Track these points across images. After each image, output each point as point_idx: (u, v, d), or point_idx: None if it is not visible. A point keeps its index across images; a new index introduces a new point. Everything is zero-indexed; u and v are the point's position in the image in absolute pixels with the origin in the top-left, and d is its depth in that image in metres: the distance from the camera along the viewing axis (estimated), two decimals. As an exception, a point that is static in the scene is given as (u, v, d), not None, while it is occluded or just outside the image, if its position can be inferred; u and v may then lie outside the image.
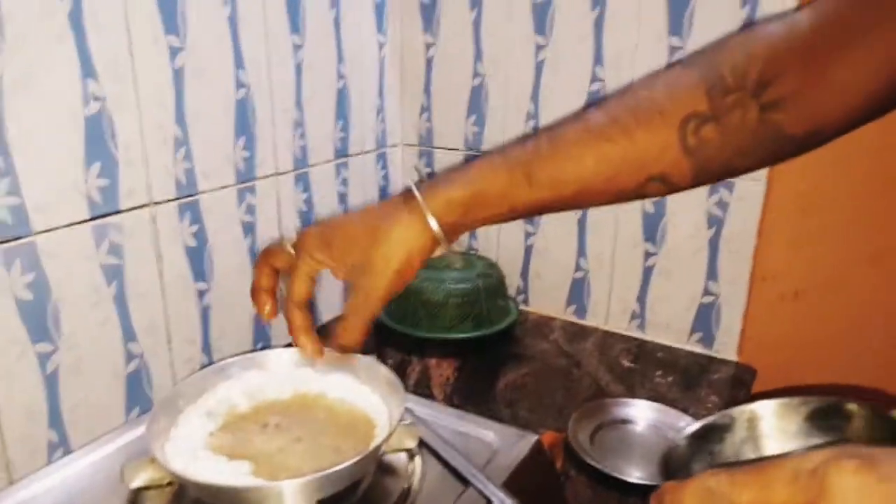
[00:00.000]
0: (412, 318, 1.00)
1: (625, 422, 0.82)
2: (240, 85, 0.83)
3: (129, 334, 0.74)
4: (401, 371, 0.94)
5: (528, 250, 1.12)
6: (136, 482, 0.51)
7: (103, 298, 0.71)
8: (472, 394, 0.89)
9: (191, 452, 0.53)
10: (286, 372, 0.64)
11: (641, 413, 0.83)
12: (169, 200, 0.77)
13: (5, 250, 0.62)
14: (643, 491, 0.69)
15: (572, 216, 1.05)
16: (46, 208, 0.65)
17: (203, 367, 0.84)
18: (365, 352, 0.60)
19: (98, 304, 0.71)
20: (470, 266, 1.04)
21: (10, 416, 0.64)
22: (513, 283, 1.14)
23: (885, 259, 0.88)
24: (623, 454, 0.76)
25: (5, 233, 0.62)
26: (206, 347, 0.85)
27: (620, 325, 1.07)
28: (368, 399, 0.60)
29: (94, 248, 0.69)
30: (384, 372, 0.59)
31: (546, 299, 1.13)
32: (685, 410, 0.83)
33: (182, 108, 0.76)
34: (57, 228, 0.66)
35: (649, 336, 1.04)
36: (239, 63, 0.82)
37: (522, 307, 1.14)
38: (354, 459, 0.48)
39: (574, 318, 1.10)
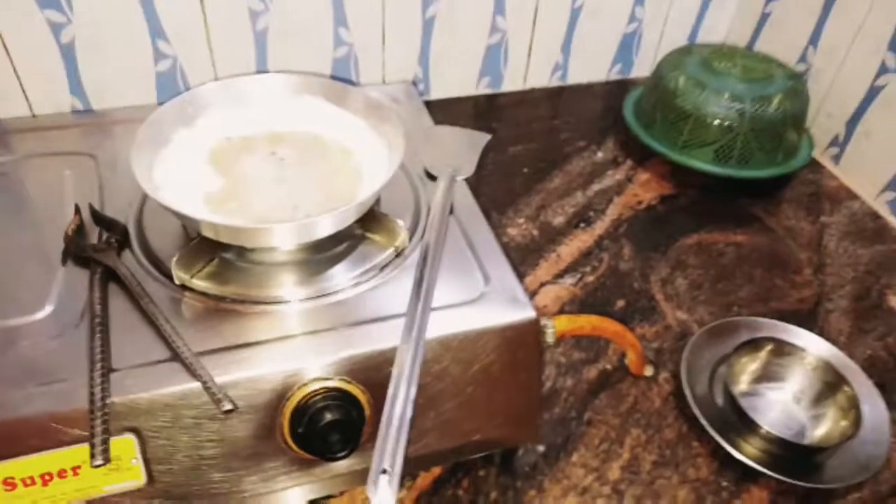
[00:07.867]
0: (648, 118, 0.79)
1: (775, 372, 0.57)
2: None
3: (158, 33, 0.69)
4: (600, 168, 0.79)
5: (872, 90, 0.75)
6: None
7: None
8: (646, 235, 0.71)
9: (196, 145, 0.52)
10: (316, 107, 0.56)
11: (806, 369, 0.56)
12: None
13: None
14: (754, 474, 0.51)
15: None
16: None
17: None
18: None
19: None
20: (764, 79, 0.74)
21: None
22: (832, 128, 0.81)
23: None
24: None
25: None
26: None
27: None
28: (378, 164, 0.51)
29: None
30: (403, 141, 0.49)
31: (865, 168, 0.78)
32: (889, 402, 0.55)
33: None
34: None
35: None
36: None
37: (829, 166, 0.82)
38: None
39: (889, 214, 0.76)
